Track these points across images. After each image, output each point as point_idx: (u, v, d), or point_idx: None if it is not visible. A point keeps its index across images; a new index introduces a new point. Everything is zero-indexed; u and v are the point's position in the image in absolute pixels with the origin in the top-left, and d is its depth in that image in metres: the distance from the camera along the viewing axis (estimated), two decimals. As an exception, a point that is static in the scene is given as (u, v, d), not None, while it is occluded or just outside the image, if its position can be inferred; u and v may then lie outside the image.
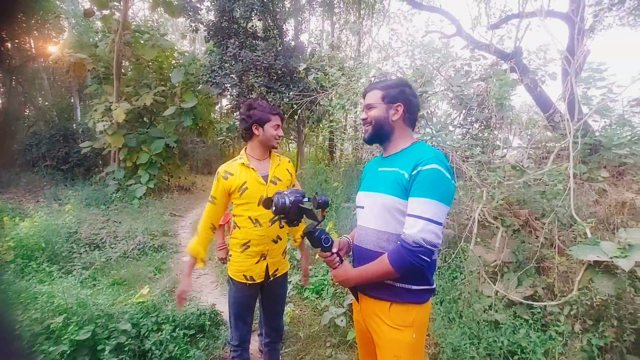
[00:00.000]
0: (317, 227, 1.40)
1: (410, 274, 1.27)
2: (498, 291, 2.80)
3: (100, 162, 10.69)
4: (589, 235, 2.35)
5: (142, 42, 9.26)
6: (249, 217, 1.84)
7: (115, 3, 9.00)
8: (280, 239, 1.95)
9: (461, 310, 2.78)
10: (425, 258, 1.20)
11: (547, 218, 2.78)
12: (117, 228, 5.65)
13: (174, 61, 10.75)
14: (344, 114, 4.50)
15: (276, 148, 1.94)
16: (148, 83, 9.94)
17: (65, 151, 10.43)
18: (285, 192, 1.43)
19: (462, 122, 3.47)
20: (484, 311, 2.75)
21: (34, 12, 10.93)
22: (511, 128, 4.74)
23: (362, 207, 1.43)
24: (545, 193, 2.66)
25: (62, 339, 1.94)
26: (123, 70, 10.00)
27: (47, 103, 12.62)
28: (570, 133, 2.68)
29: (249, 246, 1.86)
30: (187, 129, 10.39)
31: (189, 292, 1.76)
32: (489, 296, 2.91)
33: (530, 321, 2.53)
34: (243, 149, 1.94)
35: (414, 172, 1.24)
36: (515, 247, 3.13)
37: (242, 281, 1.88)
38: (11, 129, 11.85)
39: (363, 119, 1.44)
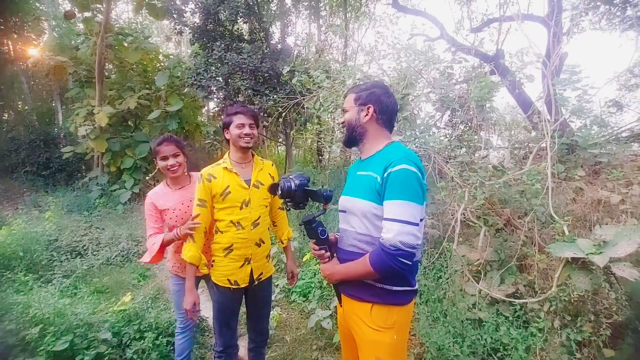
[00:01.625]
0: (316, 219, 1.43)
1: (391, 276, 1.29)
2: (481, 290, 2.84)
3: (84, 167, 10.43)
4: (567, 232, 2.41)
5: (125, 44, 9.11)
6: (231, 221, 1.83)
7: (97, 5, 8.83)
8: (264, 242, 1.95)
9: (445, 310, 2.80)
10: (405, 261, 1.21)
11: (528, 217, 2.84)
12: (100, 235, 5.52)
13: (158, 64, 10.61)
14: (331, 117, 4.52)
15: (248, 148, 1.89)
16: (132, 86, 9.77)
17: (46, 156, 10.16)
18: (291, 176, 1.48)
19: (445, 124, 3.52)
20: (468, 310, 2.79)
21: (11, 14, 10.64)
22: (494, 129, 4.82)
23: (344, 211, 1.45)
24: (524, 192, 2.71)
25: (38, 350, 1.89)
26: (106, 74, 9.81)
27: (26, 107, 12.27)
28: (547, 134, 2.75)
29: (232, 250, 1.85)
30: (173, 132, 10.26)
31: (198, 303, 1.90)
32: (472, 295, 2.95)
33: (512, 318, 2.58)
34: (227, 154, 1.94)
35: (385, 175, 1.25)
36: (498, 245, 3.19)
37: (226, 285, 1.87)
38: (-11, 135, 11.47)
39: (341, 123, 1.48)
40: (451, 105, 3.20)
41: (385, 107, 1.40)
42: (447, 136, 3.30)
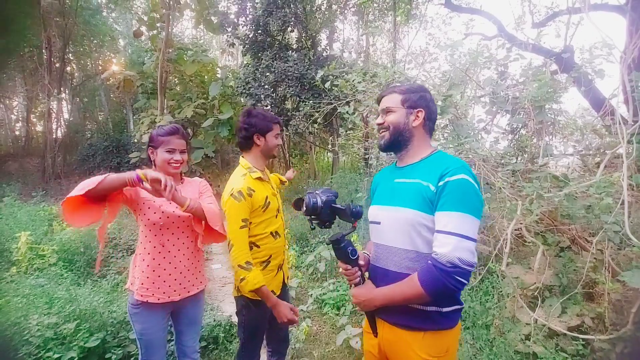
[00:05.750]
0: (345, 237, 1.27)
1: (444, 297, 1.14)
2: (537, 319, 2.46)
3: (149, 171, 11.41)
4: (648, 258, 1.98)
5: (185, 58, 9.83)
6: (270, 233, 1.75)
7: (162, 23, 9.67)
8: (286, 247, 1.97)
9: (492, 339, 2.48)
10: (462, 280, 1.07)
11: (597, 236, 2.40)
12: (154, 234, 5.89)
13: (215, 75, 11.29)
14: (372, 120, 4.33)
15: (276, 157, 1.89)
16: (190, 96, 10.50)
17: (117, 161, 11.30)
18: (317, 191, 1.34)
19: (497, 128, 3.17)
20: (520, 341, 2.43)
21: (93, 36, 12.09)
22: (560, 133, 4.27)
23: (378, 223, 1.30)
24: (591, 207, 2.30)
25: (72, 345, 1.99)
26: (171, 86, 10.68)
27: (103, 117, 13.80)
28: (624, 138, 2.32)
29: (269, 262, 1.77)
30: (225, 139, 10.79)
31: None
32: (527, 324, 2.58)
33: (575, 357, 2.18)
34: (245, 162, 1.78)
35: (440, 184, 1.13)
36: (560, 268, 2.76)
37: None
38: (74, 141, 13.10)
39: (379, 124, 1.33)
40: (503, 107, 2.87)
41: (432, 114, 1.31)
42: (498, 141, 2.95)
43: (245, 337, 1.84)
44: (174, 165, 1.70)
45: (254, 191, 1.66)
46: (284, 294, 1.92)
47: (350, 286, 1.30)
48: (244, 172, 1.72)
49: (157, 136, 1.71)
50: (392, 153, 1.41)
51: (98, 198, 1.50)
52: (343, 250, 1.24)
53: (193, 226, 1.72)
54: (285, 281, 1.90)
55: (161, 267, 1.68)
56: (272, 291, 1.77)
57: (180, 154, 1.72)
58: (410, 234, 1.18)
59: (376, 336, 1.29)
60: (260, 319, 1.81)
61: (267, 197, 1.72)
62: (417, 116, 1.27)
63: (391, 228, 1.24)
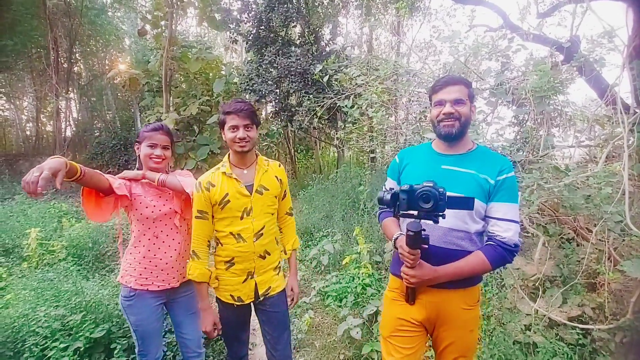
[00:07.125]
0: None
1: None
2: (538, 310, 2.46)
3: (156, 168, 11.54)
4: (648, 248, 1.97)
5: (189, 56, 9.87)
6: (231, 233, 1.66)
7: (167, 21, 9.71)
8: (269, 254, 1.76)
9: (492, 329, 2.48)
10: (516, 254, 1.36)
11: (597, 226, 2.39)
12: (161, 230, 5.98)
13: (219, 72, 11.32)
14: (378, 115, 4.32)
15: (244, 152, 1.65)
16: (195, 94, 10.56)
17: (125, 159, 11.45)
18: (428, 184, 1.25)
19: (496, 119, 3.14)
20: (521, 332, 2.44)
21: (98, 35, 12.21)
22: (565, 124, 4.23)
23: None
24: (590, 197, 2.29)
25: (78, 335, 2.05)
26: (176, 84, 10.74)
27: (111, 115, 13.98)
28: (625, 127, 2.29)
29: (233, 263, 1.69)
30: (230, 135, 10.83)
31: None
32: (528, 314, 2.58)
33: (575, 346, 2.18)
34: (227, 156, 1.75)
35: (499, 178, 1.36)
36: (561, 259, 2.75)
37: (230, 302, 1.72)
38: (82, 140, 13.31)
39: (449, 113, 1.39)
40: (504, 98, 2.84)
41: None
42: (498, 132, 2.93)
43: (222, 332, 1.79)
44: (155, 159, 1.78)
45: (213, 186, 1.64)
46: (267, 307, 1.78)
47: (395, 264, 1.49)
48: (218, 166, 1.72)
49: (142, 132, 1.82)
50: (447, 142, 1.49)
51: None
52: (423, 238, 1.25)
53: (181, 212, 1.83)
54: (259, 292, 1.73)
55: (157, 257, 1.76)
56: (239, 297, 1.71)
57: (162, 149, 1.80)
58: (465, 218, 1.36)
59: (412, 304, 1.46)
60: (230, 318, 1.76)
61: (226, 195, 1.63)
62: (473, 111, 1.45)
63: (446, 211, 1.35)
